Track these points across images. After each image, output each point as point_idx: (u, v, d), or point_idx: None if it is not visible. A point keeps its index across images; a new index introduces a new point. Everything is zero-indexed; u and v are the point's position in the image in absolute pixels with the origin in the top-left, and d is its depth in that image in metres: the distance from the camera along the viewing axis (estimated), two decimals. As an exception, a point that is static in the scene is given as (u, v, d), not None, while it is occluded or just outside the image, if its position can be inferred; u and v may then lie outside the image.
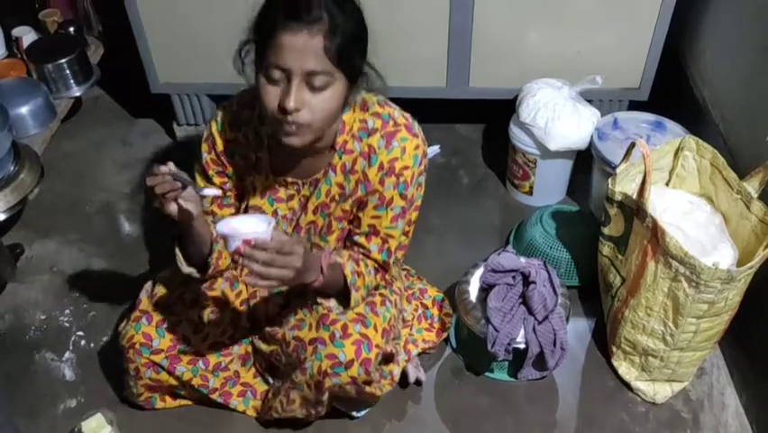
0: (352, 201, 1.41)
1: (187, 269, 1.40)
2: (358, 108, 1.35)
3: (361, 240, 1.43)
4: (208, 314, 1.57)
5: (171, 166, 1.20)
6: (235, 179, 1.47)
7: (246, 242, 1.15)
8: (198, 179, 1.48)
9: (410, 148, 1.35)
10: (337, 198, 1.42)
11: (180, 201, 1.21)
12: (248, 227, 1.16)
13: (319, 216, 1.45)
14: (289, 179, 1.42)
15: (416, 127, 1.39)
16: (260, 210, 1.46)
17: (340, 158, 1.38)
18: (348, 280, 1.38)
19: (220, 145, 1.43)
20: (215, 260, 1.41)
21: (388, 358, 1.51)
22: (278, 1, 1.20)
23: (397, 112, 1.38)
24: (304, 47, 1.16)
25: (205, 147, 1.45)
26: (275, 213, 1.46)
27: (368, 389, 1.48)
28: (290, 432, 1.63)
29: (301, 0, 1.16)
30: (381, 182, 1.36)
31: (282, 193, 1.45)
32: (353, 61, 1.23)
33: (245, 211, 1.48)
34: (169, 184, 1.19)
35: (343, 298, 1.42)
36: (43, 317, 1.93)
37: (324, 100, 1.21)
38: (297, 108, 1.20)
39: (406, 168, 1.35)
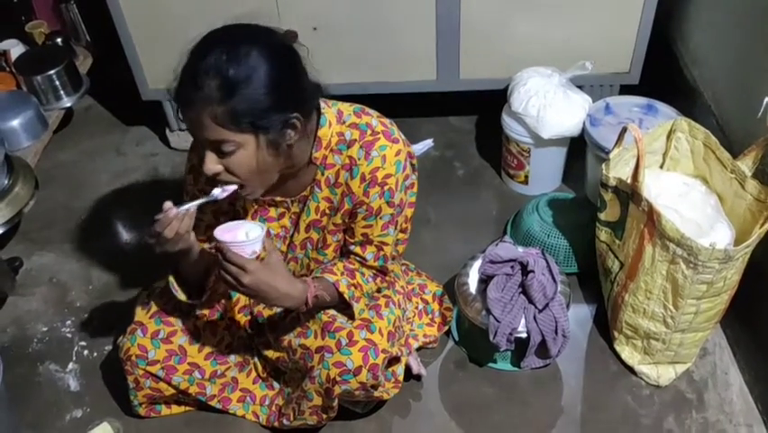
0: (341, 214, 1.40)
1: (181, 296, 1.40)
2: (334, 121, 1.34)
3: (357, 249, 1.44)
4: (204, 323, 1.57)
5: (171, 205, 1.23)
6: (226, 204, 1.46)
7: (219, 245, 1.24)
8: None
9: (391, 155, 1.34)
10: (327, 211, 1.41)
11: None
12: (240, 233, 1.25)
13: (313, 232, 1.45)
14: (278, 199, 1.42)
15: (396, 132, 1.37)
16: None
17: (323, 173, 1.37)
18: (346, 297, 1.39)
19: (204, 176, 1.42)
20: (213, 282, 1.43)
21: (393, 360, 1.52)
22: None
23: (374, 120, 1.37)
24: (195, 120, 1.18)
25: (189, 179, 1.45)
26: (267, 232, 1.46)
27: (376, 394, 1.48)
28: (298, 433, 1.64)
29: (183, 84, 1.17)
30: (366, 194, 1.35)
31: (273, 213, 1.45)
32: (257, 119, 1.19)
33: None
34: (186, 220, 1.24)
35: (344, 307, 1.44)
36: (45, 328, 1.93)
37: (236, 163, 1.22)
38: (214, 173, 1.23)
39: (389, 176, 1.34)
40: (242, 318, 1.61)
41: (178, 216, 1.23)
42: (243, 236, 1.24)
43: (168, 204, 1.23)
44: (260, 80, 1.17)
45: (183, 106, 1.19)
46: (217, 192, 1.28)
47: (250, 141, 1.21)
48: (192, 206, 1.26)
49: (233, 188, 1.28)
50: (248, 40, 1.19)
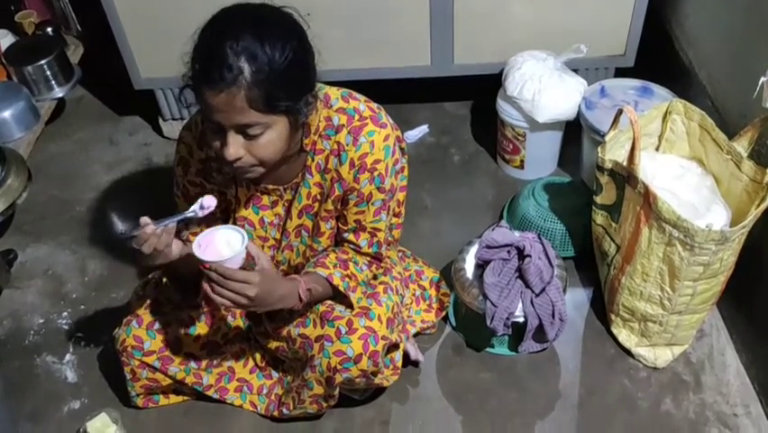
0: (332, 200, 1.39)
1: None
2: (321, 106, 1.32)
3: (350, 237, 1.43)
4: (200, 314, 1.56)
5: (149, 221, 1.20)
6: (217, 194, 1.44)
7: (205, 265, 1.21)
8: (180, 202, 1.47)
9: (379, 141, 1.33)
10: (319, 197, 1.41)
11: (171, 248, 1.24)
12: (220, 244, 1.23)
13: (306, 219, 1.44)
14: (270, 187, 1.41)
15: (384, 117, 1.36)
16: (249, 222, 1.45)
17: (313, 159, 1.36)
18: (341, 289, 1.39)
19: (194, 167, 1.41)
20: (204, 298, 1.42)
21: (391, 347, 1.52)
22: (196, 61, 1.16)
23: (362, 105, 1.35)
24: (226, 106, 1.14)
25: (179, 171, 1.43)
26: (261, 220, 1.45)
27: (376, 381, 1.49)
28: (298, 422, 1.64)
29: (213, 67, 1.12)
30: (356, 180, 1.34)
31: (266, 200, 1.44)
32: (289, 101, 1.19)
33: (234, 223, 1.47)
34: (164, 237, 1.21)
35: (342, 298, 1.43)
36: (42, 320, 1.93)
37: (264, 145, 1.20)
38: (237, 157, 1.20)
39: (378, 161, 1.33)
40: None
41: (155, 233, 1.20)
42: (225, 247, 1.22)
43: (144, 219, 1.20)
44: (292, 62, 1.16)
45: (210, 90, 1.13)
46: (196, 208, 1.26)
47: (279, 122, 1.20)
48: (170, 221, 1.22)
49: (213, 203, 1.27)
50: (272, 19, 1.17)
